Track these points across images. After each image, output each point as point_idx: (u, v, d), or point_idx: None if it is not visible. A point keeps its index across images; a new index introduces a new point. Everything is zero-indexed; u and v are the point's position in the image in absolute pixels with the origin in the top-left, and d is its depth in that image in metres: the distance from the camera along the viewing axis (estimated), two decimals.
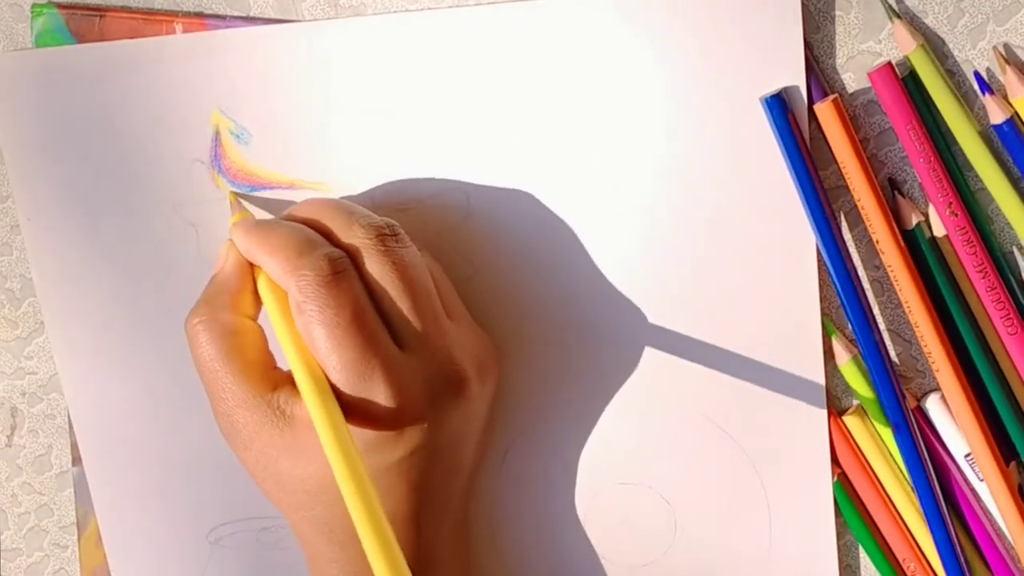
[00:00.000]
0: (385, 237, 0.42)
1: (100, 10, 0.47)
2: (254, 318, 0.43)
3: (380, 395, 0.40)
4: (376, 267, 0.41)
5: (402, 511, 0.42)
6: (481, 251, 0.46)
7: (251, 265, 0.43)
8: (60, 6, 0.47)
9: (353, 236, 0.42)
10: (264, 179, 0.47)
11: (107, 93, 0.47)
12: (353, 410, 0.40)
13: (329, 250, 0.41)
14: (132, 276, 0.48)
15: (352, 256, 0.41)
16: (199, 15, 0.47)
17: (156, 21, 0.47)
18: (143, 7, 0.47)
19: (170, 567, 0.50)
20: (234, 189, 0.47)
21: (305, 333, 0.40)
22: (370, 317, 0.41)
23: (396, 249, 0.42)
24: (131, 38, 0.47)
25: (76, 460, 0.50)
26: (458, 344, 0.43)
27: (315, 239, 0.42)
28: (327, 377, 0.40)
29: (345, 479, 0.37)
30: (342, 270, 0.41)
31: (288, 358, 0.41)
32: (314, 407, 0.39)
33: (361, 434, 0.40)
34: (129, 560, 0.50)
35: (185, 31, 0.46)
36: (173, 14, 0.47)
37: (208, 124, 0.47)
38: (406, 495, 0.42)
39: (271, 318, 0.42)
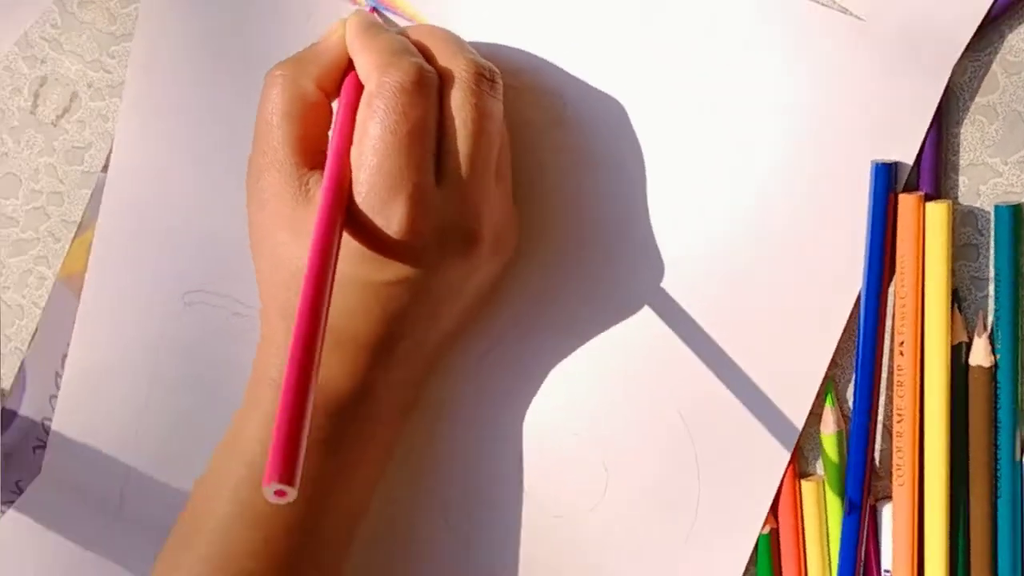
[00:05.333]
0: (482, 78, 0.42)
1: None
2: (332, 98, 0.44)
3: (395, 214, 0.40)
4: (458, 100, 0.42)
5: (366, 336, 0.43)
6: (564, 146, 0.47)
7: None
8: None
9: (455, 64, 0.42)
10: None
11: None
12: (363, 215, 0.40)
13: (423, 63, 0.42)
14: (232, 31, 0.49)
15: (443, 82, 0.42)
16: None
17: None
18: None
19: (139, 311, 0.51)
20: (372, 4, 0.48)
21: (361, 126, 0.41)
22: (426, 140, 0.41)
23: (485, 93, 0.42)
24: None
25: (106, 167, 0.51)
26: (489, 206, 0.43)
27: (414, 51, 0.42)
28: (356, 175, 0.40)
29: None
30: (426, 84, 0.41)
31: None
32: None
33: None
34: (105, 288, 0.52)
35: None
36: None
37: None
38: (377, 321, 0.42)
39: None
